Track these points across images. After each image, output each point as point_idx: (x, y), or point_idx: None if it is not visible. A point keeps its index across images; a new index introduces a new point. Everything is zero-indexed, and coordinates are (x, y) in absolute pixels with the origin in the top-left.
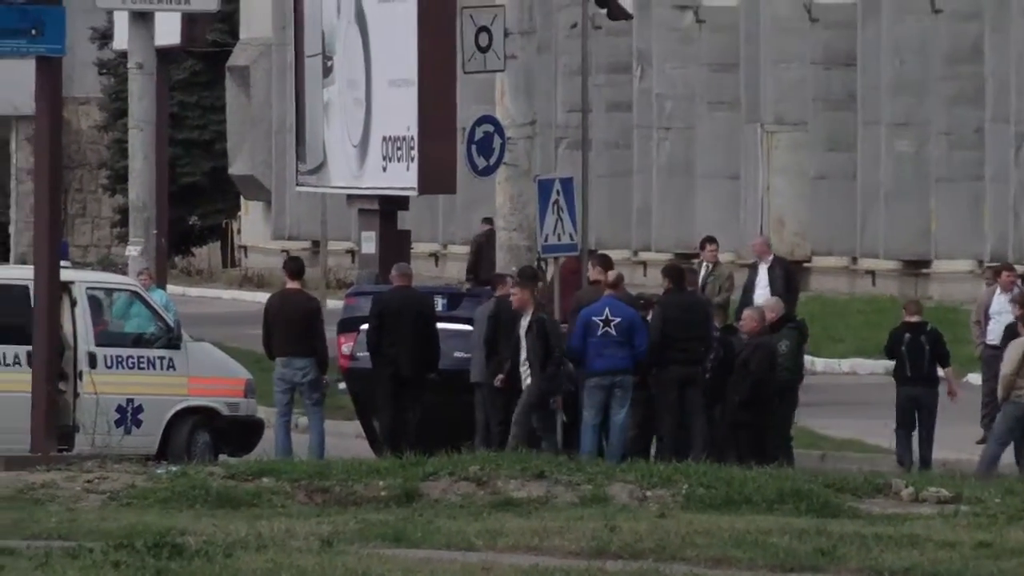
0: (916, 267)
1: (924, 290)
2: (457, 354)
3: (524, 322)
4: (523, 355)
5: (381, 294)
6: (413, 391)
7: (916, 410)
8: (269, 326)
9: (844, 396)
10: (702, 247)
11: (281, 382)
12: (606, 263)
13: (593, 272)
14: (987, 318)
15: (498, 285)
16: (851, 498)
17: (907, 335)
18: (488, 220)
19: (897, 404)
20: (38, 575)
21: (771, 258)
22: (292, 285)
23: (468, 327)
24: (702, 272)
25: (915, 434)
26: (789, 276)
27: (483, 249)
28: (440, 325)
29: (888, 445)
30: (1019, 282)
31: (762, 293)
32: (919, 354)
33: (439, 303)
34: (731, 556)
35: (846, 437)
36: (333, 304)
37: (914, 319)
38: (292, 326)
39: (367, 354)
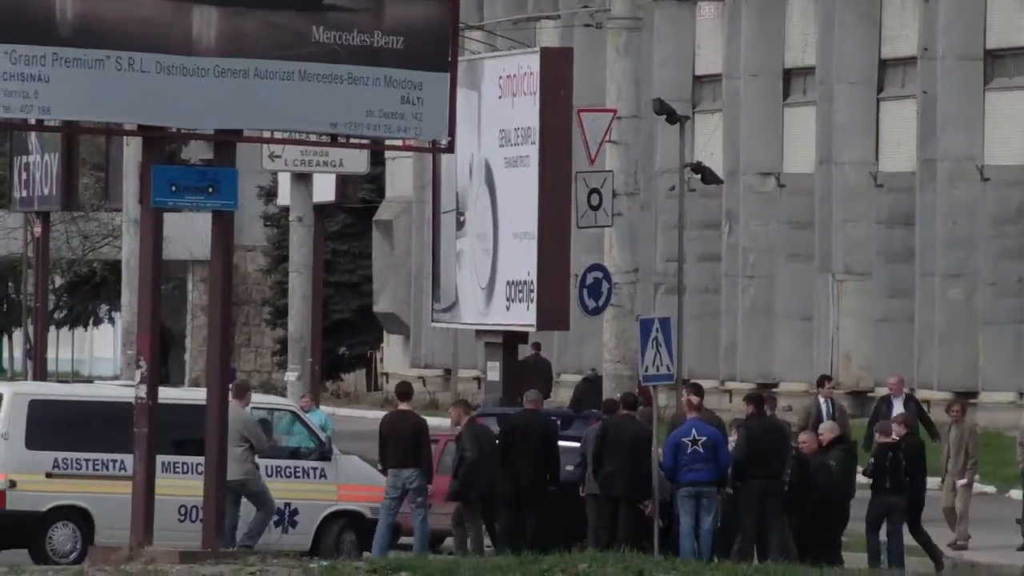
0: (965, 397)
1: (972, 417)
2: (567, 467)
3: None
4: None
5: (509, 416)
6: (532, 500)
7: (888, 516)
8: (383, 441)
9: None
10: (820, 384)
11: (393, 489)
12: (698, 391)
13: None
14: None
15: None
16: None
17: (889, 453)
18: (536, 346)
19: (873, 511)
20: None
21: (904, 395)
22: (403, 406)
23: (576, 444)
24: (824, 407)
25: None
26: (921, 409)
27: (526, 373)
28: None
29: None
30: None
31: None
32: (897, 468)
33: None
34: None
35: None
36: None
37: (891, 439)
38: (403, 442)
39: None
